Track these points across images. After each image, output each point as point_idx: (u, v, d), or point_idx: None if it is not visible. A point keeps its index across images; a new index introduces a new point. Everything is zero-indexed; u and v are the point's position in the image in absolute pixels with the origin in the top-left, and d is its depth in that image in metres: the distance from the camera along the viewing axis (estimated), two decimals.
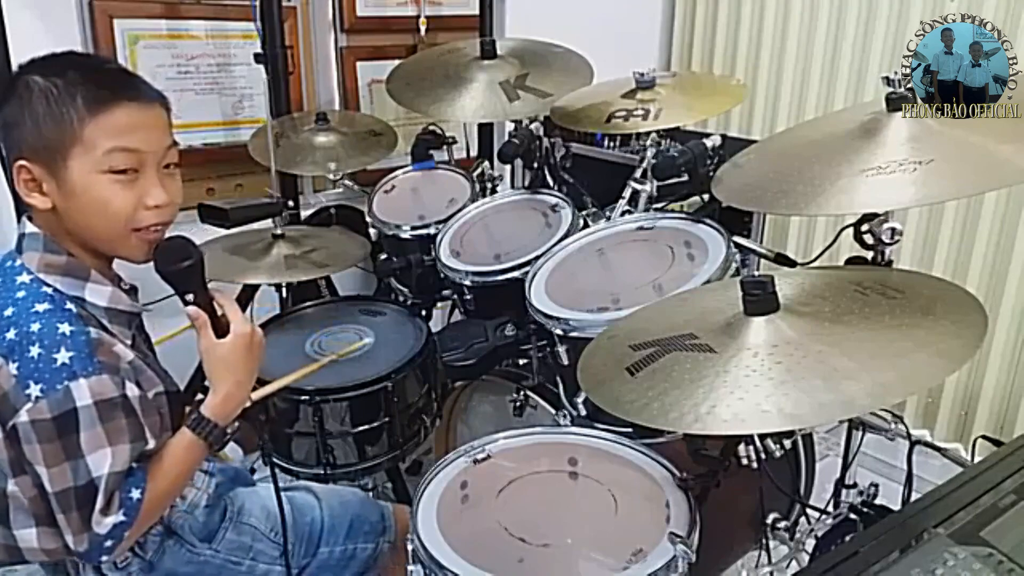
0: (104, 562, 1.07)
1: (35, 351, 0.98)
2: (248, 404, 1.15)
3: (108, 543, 1.01)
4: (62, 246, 1.07)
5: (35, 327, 0.99)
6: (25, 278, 1.04)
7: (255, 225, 2.04)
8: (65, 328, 1.00)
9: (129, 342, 1.11)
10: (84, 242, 1.08)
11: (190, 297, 1.10)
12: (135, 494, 1.02)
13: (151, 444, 1.07)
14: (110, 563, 1.15)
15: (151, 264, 1.10)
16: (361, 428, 1.71)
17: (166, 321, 1.26)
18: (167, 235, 1.11)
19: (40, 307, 1.01)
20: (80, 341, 1.00)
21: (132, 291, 1.18)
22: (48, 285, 1.04)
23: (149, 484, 1.04)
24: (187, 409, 1.15)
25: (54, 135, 1.02)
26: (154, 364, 1.17)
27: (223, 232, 1.98)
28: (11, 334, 0.99)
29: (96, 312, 1.07)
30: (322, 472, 1.71)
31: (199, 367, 2.03)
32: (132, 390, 1.05)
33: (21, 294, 1.02)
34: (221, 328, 1.10)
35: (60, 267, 1.06)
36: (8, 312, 1.01)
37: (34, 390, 0.97)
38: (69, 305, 1.04)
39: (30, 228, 1.08)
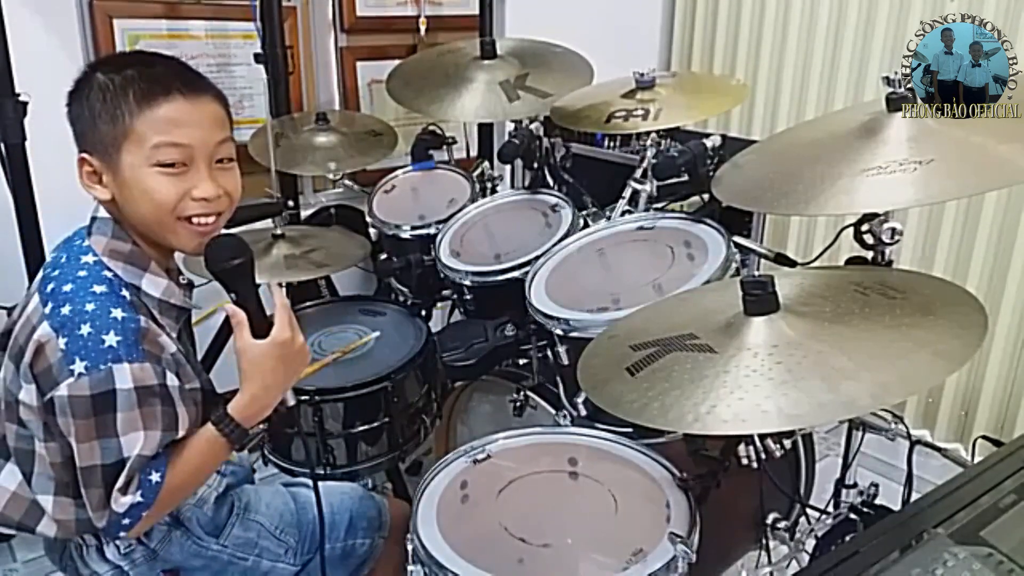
0: (122, 537, 1.10)
1: (86, 329, 1.00)
2: (292, 403, 1.16)
3: (125, 521, 1.04)
4: (128, 235, 1.10)
5: (90, 307, 1.02)
6: (89, 259, 1.07)
7: (255, 225, 2.04)
8: (117, 313, 1.02)
9: (175, 335, 1.13)
10: (140, 231, 1.11)
11: (234, 295, 1.11)
12: (155, 477, 1.05)
13: (181, 434, 1.09)
14: (114, 549, 1.18)
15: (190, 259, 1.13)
16: (361, 428, 1.71)
17: None
18: (220, 232, 1.13)
19: (98, 289, 1.04)
20: (129, 328, 1.03)
21: (189, 286, 1.21)
22: (109, 270, 1.07)
23: (169, 471, 1.07)
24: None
25: (109, 130, 1.05)
26: (193, 361, 1.19)
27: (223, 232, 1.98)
28: (66, 309, 1.02)
29: (149, 302, 1.10)
30: (322, 472, 1.71)
31: (200, 362, 2.03)
32: (172, 380, 1.08)
33: (82, 273, 1.06)
34: (264, 330, 1.10)
35: (124, 254, 1.09)
36: (67, 288, 1.04)
37: (78, 366, 0.99)
38: (124, 292, 1.06)
39: (102, 213, 1.11)
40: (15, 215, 1.71)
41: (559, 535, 1.16)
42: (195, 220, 1.09)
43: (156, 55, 1.13)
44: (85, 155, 1.08)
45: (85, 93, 1.07)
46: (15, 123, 1.63)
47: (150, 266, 1.11)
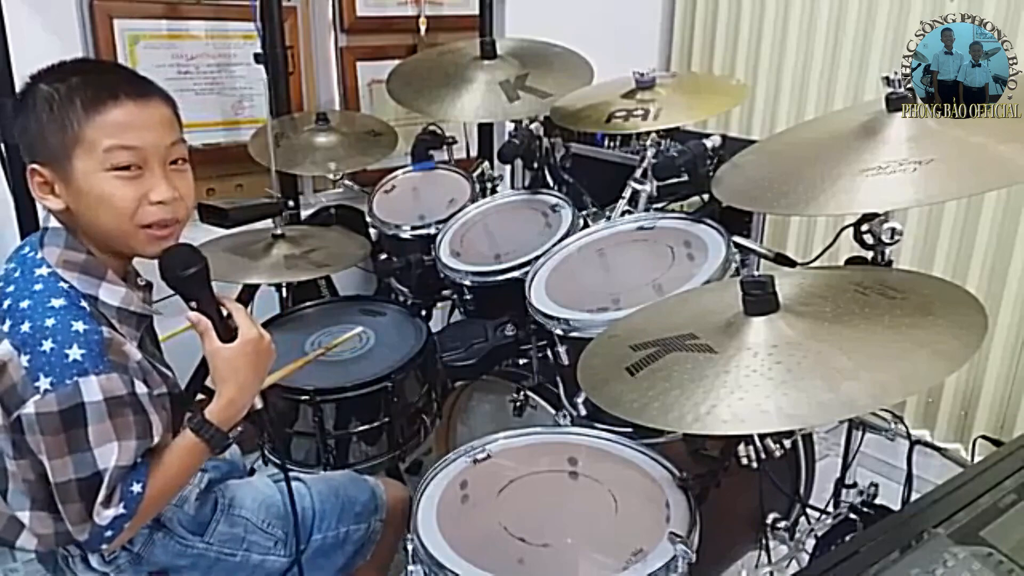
0: (103, 550, 1.09)
1: (48, 345, 0.99)
2: (259, 407, 1.16)
3: (108, 533, 1.04)
4: (82, 244, 1.09)
5: (50, 322, 1.00)
6: (44, 271, 1.06)
7: (255, 225, 2.04)
8: (79, 326, 1.01)
9: (136, 343, 1.12)
10: (97, 240, 1.09)
11: (194, 303, 1.10)
12: (136, 488, 1.04)
13: (156, 441, 1.08)
14: (98, 557, 1.17)
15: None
16: (361, 428, 1.71)
17: (166, 321, 1.26)
18: (172, 243, 1.11)
19: (56, 303, 1.02)
20: (93, 340, 1.01)
21: (147, 288, 1.19)
22: (65, 281, 1.05)
23: (150, 480, 1.06)
24: (187, 413, 1.15)
25: (58, 139, 1.04)
26: (160, 365, 1.17)
27: (223, 232, 1.98)
28: (25, 327, 1.00)
29: (107, 312, 1.08)
30: (322, 471, 1.71)
31: (200, 366, 2.04)
32: (140, 387, 1.07)
33: (39, 287, 1.04)
34: (228, 333, 1.10)
35: (78, 264, 1.07)
36: (24, 304, 1.02)
37: (43, 383, 0.98)
38: (83, 303, 1.04)
39: (53, 223, 1.10)
40: (15, 215, 1.71)
41: (559, 535, 1.16)
42: (154, 226, 1.08)
43: (99, 62, 1.13)
44: (35, 166, 1.06)
45: (30, 105, 1.05)
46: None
47: (107, 275, 1.09)
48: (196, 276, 1.09)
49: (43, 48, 1.96)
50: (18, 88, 1.48)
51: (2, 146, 1.67)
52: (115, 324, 1.08)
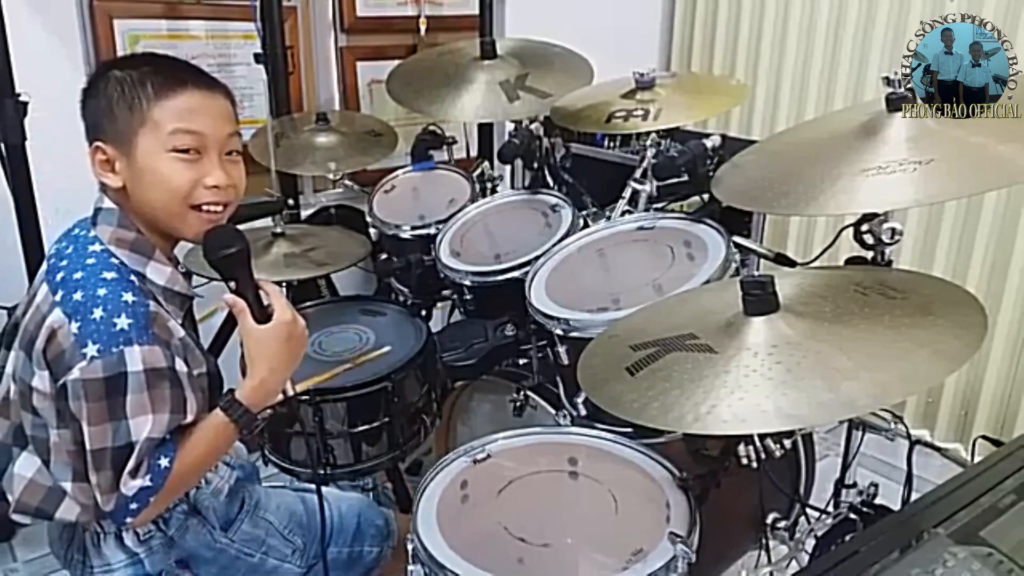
0: (128, 524, 1.10)
1: (98, 313, 1.03)
2: (291, 393, 1.19)
3: (133, 506, 1.06)
4: (133, 223, 1.13)
5: (101, 292, 1.05)
6: (96, 247, 1.11)
7: (255, 223, 2.04)
8: (128, 297, 1.06)
9: (180, 322, 1.16)
10: (148, 220, 1.14)
11: (233, 284, 1.14)
12: (163, 462, 1.07)
13: (189, 418, 1.11)
14: (133, 535, 1.18)
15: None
16: (361, 428, 1.71)
17: (203, 304, 1.28)
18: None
19: (108, 275, 1.07)
20: (140, 312, 1.05)
21: (187, 276, 1.24)
22: (116, 257, 1.11)
23: (178, 455, 1.08)
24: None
25: (125, 116, 1.10)
26: (200, 346, 1.21)
27: None
28: (78, 295, 1.05)
29: (154, 289, 1.13)
30: (323, 472, 1.71)
31: (208, 348, 2.04)
32: (180, 365, 1.10)
33: (91, 261, 1.09)
34: (264, 315, 1.14)
35: (128, 242, 1.13)
36: (77, 276, 1.07)
37: (91, 350, 1.02)
38: (132, 278, 1.10)
39: (107, 203, 1.15)
40: (15, 215, 1.71)
41: (559, 535, 1.16)
42: (204, 208, 1.13)
43: (171, 57, 1.18)
44: (99, 143, 1.11)
45: (101, 87, 1.11)
46: (15, 123, 1.63)
47: (155, 254, 1.14)
48: (236, 256, 1.13)
49: (43, 48, 1.97)
50: (18, 86, 1.48)
51: (2, 146, 1.67)
52: (161, 302, 1.12)
